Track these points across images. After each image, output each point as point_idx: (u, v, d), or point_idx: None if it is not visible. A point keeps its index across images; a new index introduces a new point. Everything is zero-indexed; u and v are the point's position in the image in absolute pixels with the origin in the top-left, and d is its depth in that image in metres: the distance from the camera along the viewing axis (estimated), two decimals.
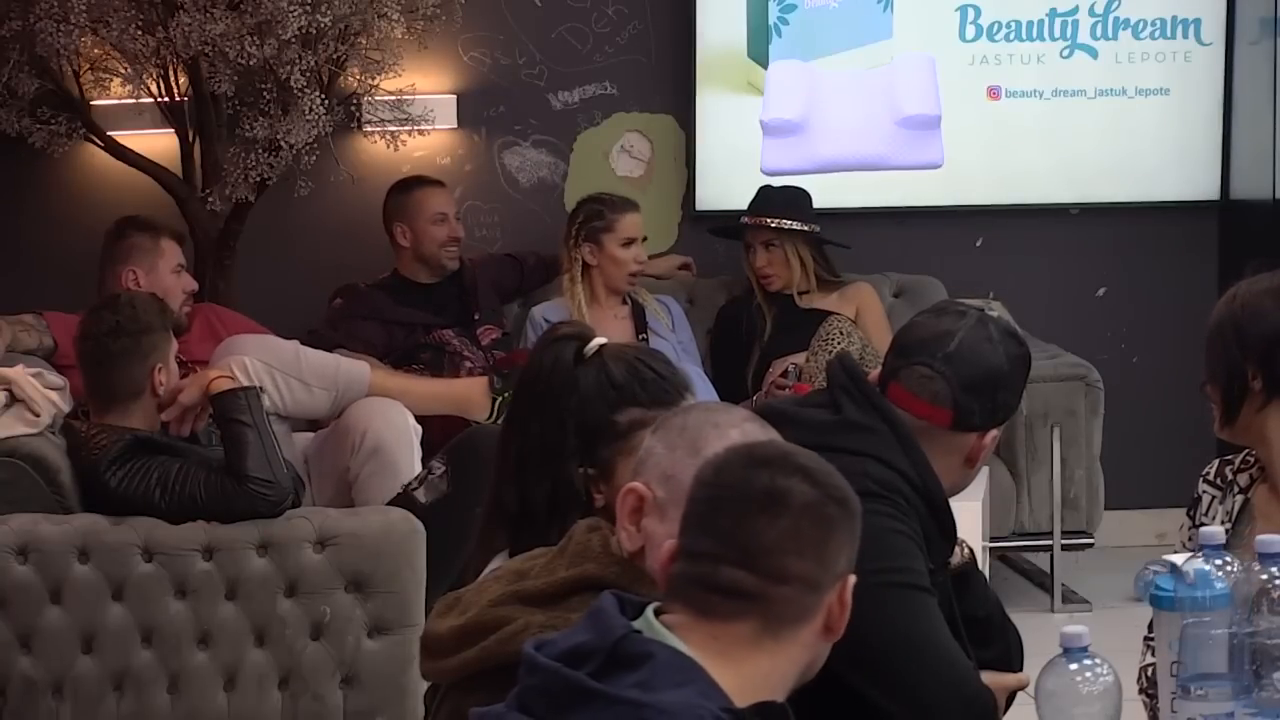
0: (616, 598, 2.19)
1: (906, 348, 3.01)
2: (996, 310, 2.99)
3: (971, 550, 3.14)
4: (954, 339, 2.97)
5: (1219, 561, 2.53)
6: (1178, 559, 2.53)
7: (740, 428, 2.41)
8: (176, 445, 4.63)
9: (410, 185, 6.25)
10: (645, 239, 6.27)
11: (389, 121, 6.21)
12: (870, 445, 2.84)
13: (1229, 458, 3.25)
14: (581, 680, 2.08)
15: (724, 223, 6.52)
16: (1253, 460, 3.20)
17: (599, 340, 2.88)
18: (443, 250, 6.19)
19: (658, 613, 2.18)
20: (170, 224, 5.71)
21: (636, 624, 2.15)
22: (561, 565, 2.46)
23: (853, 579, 2.19)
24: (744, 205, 6.47)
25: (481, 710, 2.15)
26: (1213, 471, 3.25)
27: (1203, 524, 3.14)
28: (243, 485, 4.50)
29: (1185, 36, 6.82)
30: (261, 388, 4.92)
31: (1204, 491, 3.24)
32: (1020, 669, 3.07)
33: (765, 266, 6.28)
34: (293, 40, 5.65)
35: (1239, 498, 3.18)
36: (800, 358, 6.04)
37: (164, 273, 5.49)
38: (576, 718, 2.07)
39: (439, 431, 5.35)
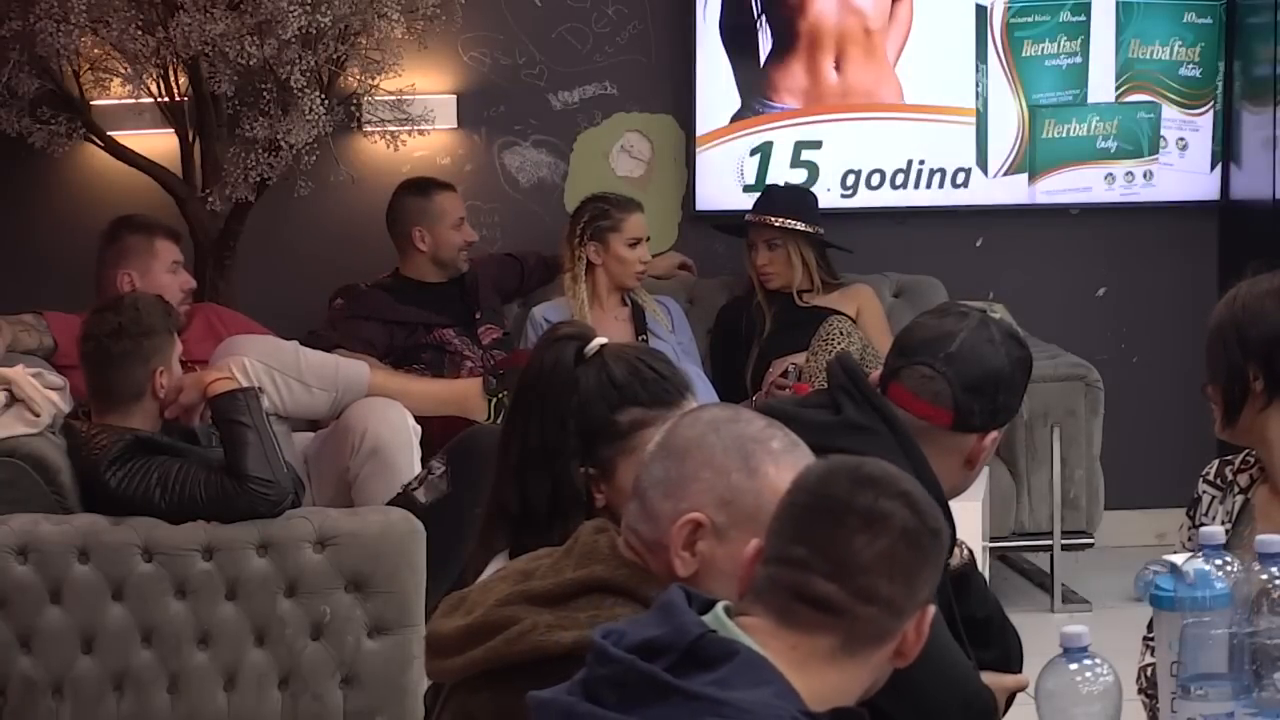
0: (685, 592, 2.18)
1: (908, 348, 3.02)
2: (999, 312, 3.00)
3: (971, 551, 3.14)
4: (956, 340, 2.97)
5: (1219, 561, 2.53)
6: (1178, 559, 2.53)
7: (775, 437, 2.42)
8: (177, 445, 4.63)
9: (426, 189, 6.21)
10: (649, 239, 6.27)
11: (389, 121, 6.21)
12: (870, 447, 2.84)
13: (1229, 458, 3.26)
14: (658, 674, 2.07)
15: (726, 221, 6.53)
16: (1253, 460, 3.21)
17: (599, 340, 2.88)
18: (460, 254, 6.18)
19: (731, 612, 2.18)
20: (166, 222, 5.70)
21: (707, 621, 2.14)
22: (569, 566, 2.46)
23: (932, 609, 2.19)
24: (743, 206, 6.48)
25: (545, 696, 2.13)
26: (1212, 472, 3.26)
27: (1202, 524, 3.15)
28: (243, 485, 4.50)
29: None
30: (261, 388, 4.92)
31: (1204, 491, 3.24)
32: (1020, 670, 3.08)
33: (766, 265, 6.28)
34: (293, 40, 5.65)
35: (1239, 498, 3.19)
36: (800, 358, 6.04)
37: (159, 273, 5.48)
38: (651, 712, 2.06)
39: (439, 431, 5.35)
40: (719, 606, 2.17)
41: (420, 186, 6.23)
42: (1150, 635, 3.15)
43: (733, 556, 2.33)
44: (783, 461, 2.39)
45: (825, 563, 2.15)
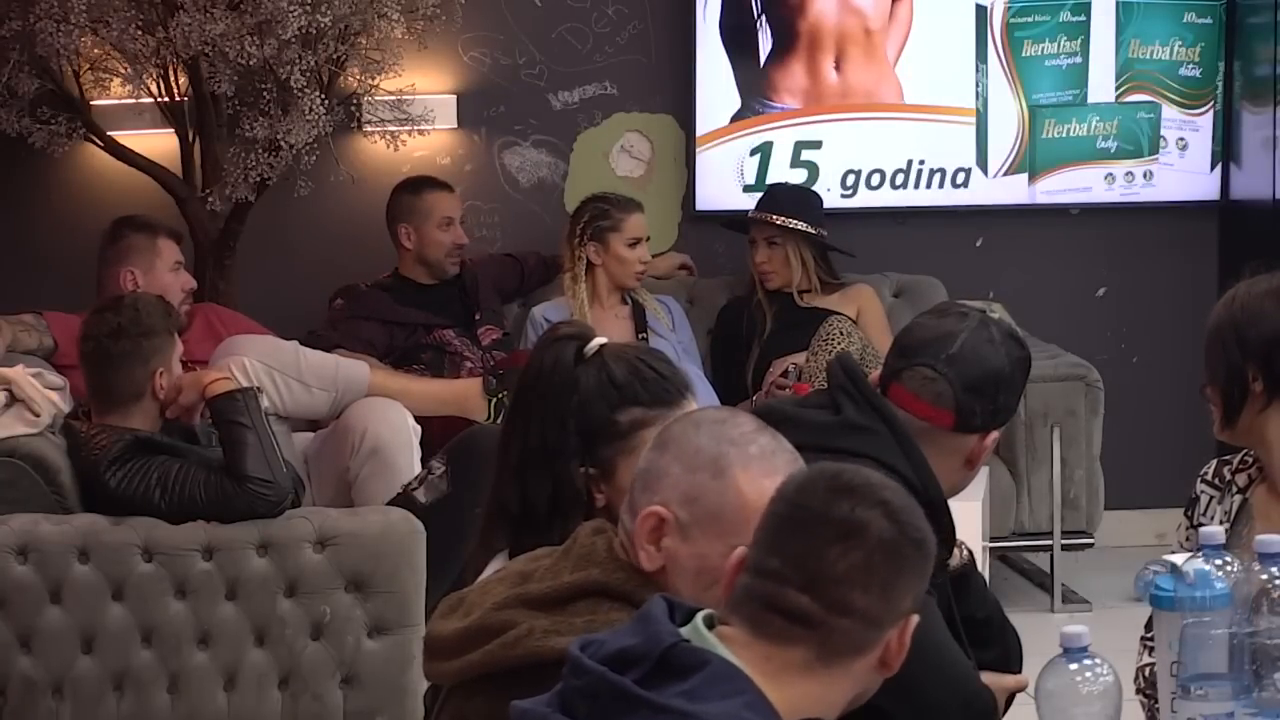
0: (666, 602, 2.17)
1: (908, 349, 3.02)
2: (998, 312, 2.99)
3: (970, 552, 3.15)
4: (956, 340, 2.98)
5: (1219, 561, 2.53)
6: (1178, 559, 2.53)
7: (756, 442, 2.40)
8: (177, 446, 4.62)
9: (419, 187, 6.23)
10: (649, 239, 6.27)
11: (389, 121, 6.21)
12: (870, 447, 2.84)
13: (1227, 458, 3.26)
14: (626, 686, 2.06)
15: (730, 218, 6.54)
16: (1250, 460, 3.21)
17: (599, 340, 2.87)
18: (446, 257, 6.18)
19: (714, 621, 2.17)
20: (167, 222, 5.72)
21: (684, 631, 2.13)
22: (566, 568, 2.45)
23: (915, 618, 2.16)
24: (743, 206, 6.48)
25: (524, 706, 2.13)
26: (1210, 471, 3.26)
27: (1201, 524, 3.15)
28: (242, 486, 4.50)
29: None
30: (260, 388, 4.91)
31: (1202, 491, 3.24)
32: (1019, 671, 3.08)
33: (764, 264, 6.28)
34: (293, 40, 5.65)
35: (1237, 498, 3.19)
36: (800, 358, 6.04)
37: (162, 272, 5.49)
38: None
39: (439, 431, 5.35)
40: (699, 617, 2.16)
41: (414, 184, 6.25)
42: (1148, 635, 3.14)
43: (697, 555, 2.33)
44: (754, 468, 2.37)
45: (798, 574, 2.13)
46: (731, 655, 2.11)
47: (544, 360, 2.87)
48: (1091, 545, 6.30)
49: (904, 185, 6.78)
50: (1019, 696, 2.97)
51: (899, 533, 2.14)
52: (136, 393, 4.64)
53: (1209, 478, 3.25)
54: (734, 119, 6.70)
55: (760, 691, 2.09)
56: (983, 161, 6.81)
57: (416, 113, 6.25)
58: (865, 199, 6.77)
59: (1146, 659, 3.10)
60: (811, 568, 2.13)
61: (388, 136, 6.19)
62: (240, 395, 4.61)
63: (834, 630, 2.12)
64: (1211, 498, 3.22)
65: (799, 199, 6.36)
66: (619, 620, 2.30)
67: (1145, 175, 6.88)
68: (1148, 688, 3.05)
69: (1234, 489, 3.20)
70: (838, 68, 6.71)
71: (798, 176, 6.68)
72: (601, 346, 2.86)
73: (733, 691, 2.07)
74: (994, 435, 3.01)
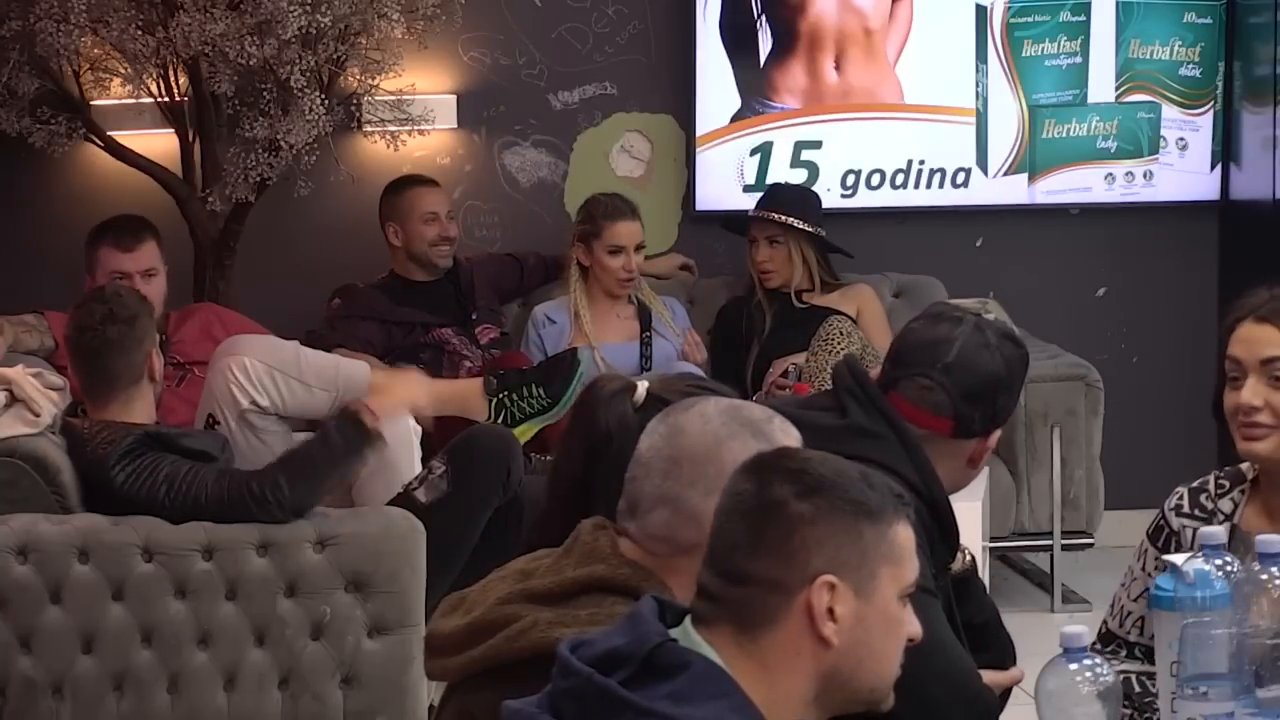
0: (657, 602, 2.18)
1: (904, 357, 3.01)
2: (993, 311, 2.98)
3: (973, 557, 3.15)
4: (952, 348, 2.97)
5: (1219, 561, 2.53)
6: (1178, 559, 2.53)
7: (775, 417, 2.49)
8: (186, 446, 4.59)
9: (402, 185, 6.27)
10: (642, 247, 6.24)
11: (389, 121, 6.21)
12: (876, 451, 2.84)
13: (1197, 486, 3.17)
14: (612, 689, 2.07)
15: (730, 218, 6.53)
16: (1227, 485, 3.14)
17: (643, 383, 2.85)
18: (433, 250, 6.20)
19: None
20: (145, 226, 5.64)
21: (674, 632, 2.14)
22: (569, 565, 2.46)
23: (830, 579, 2.11)
24: (743, 206, 6.48)
25: (515, 706, 2.14)
26: (1185, 503, 3.17)
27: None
28: (262, 490, 4.47)
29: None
30: (266, 398, 4.91)
31: (1182, 526, 3.15)
32: None
33: (766, 262, 6.28)
34: (293, 40, 5.65)
35: (1225, 526, 3.10)
36: (800, 358, 6.04)
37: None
38: None
39: (439, 431, 5.35)
40: (689, 617, 2.17)
41: (398, 184, 6.29)
42: (1106, 649, 3.13)
43: None
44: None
45: (709, 555, 2.18)
46: (713, 651, 2.12)
47: (607, 422, 2.81)
48: (1091, 545, 6.30)
49: (904, 185, 6.79)
50: (1019, 696, 2.97)
51: (789, 493, 2.14)
52: (135, 377, 4.63)
53: (1185, 509, 3.16)
54: (734, 119, 6.71)
55: (743, 693, 2.09)
56: (983, 161, 6.81)
57: (416, 113, 6.26)
58: (865, 199, 6.77)
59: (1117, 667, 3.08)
60: (714, 544, 2.17)
61: (388, 136, 6.20)
62: (367, 439, 4.63)
63: (736, 601, 2.13)
64: (1195, 530, 3.09)
65: (800, 198, 6.37)
66: (622, 614, 2.30)
67: (1145, 175, 6.89)
68: (1124, 700, 3.04)
69: (1220, 517, 3.11)
70: (838, 68, 6.71)
71: (798, 176, 6.68)
72: (648, 389, 2.85)
73: (719, 693, 2.08)
74: (995, 435, 3.01)
